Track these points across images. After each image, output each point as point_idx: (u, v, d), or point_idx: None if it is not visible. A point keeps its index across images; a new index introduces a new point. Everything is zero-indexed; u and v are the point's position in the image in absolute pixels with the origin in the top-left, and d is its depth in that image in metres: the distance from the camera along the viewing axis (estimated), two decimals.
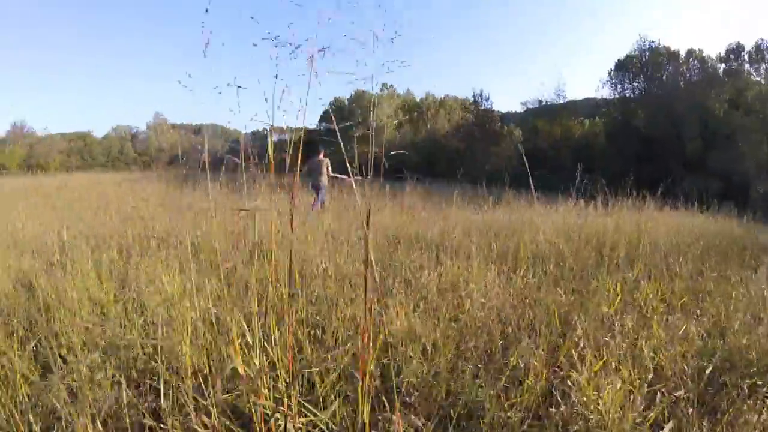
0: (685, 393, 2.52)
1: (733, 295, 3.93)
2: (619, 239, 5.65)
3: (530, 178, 3.81)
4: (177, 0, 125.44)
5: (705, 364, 2.70)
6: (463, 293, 3.69)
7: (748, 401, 2.41)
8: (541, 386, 2.48)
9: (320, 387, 2.39)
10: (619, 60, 30.37)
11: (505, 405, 2.39)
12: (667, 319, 3.46)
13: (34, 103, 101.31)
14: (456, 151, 38.38)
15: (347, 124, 3.21)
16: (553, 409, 2.36)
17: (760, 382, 2.60)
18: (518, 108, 39.90)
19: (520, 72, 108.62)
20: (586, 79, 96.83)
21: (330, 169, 10.16)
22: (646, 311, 3.73)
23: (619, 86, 30.40)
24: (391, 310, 3.16)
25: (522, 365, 2.68)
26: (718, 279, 4.63)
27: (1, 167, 49.82)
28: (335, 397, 2.32)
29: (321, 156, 10.24)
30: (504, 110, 42.06)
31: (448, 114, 45.83)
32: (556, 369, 2.75)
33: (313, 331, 3.12)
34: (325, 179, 10.12)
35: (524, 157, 4.34)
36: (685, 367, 2.74)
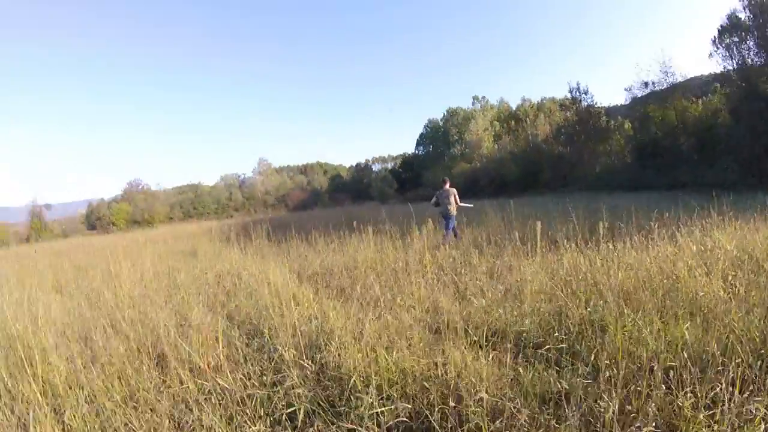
0: None
1: None
2: None
3: None
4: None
5: None
6: None
7: None
8: None
9: None
10: (722, 26, 26.43)
11: None
12: None
13: (150, 161, 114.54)
14: (559, 157, 35.83)
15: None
16: None
17: None
18: (623, 99, 36.21)
19: (619, 60, 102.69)
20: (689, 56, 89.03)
21: (458, 197, 10.76)
22: None
23: (731, 53, 26.18)
24: None
25: None
26: None
27: (111, 224, 55.33)
28: None
29: (447, 186, 10.85)
30: (608, 104, 38.80)
31: (548, 117, 43.14)
32: None
33: None
34: (453, 208, 10.68)
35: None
36: None
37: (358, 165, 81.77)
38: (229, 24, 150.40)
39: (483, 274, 6.51)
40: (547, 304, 4.84)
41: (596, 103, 37.22)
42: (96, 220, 62.37)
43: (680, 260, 5.33)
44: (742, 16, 25.11)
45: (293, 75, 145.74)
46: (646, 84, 31.51)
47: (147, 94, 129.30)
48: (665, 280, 4.90)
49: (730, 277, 4.82)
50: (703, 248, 5.84)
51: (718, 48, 26.41)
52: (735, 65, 25.68)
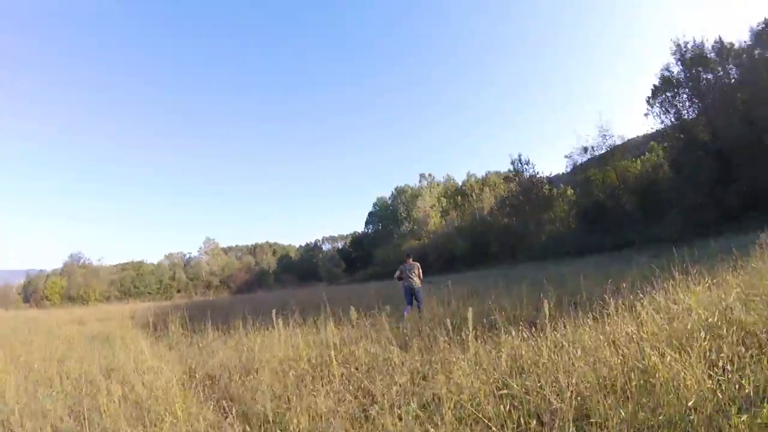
0: None
1: None
2: None
3: None
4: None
5: None
6: None
7: None
8: None
9: None
10: (655, 85, 27.20)
11: None
12: None
13: (92, 234, 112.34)
14: (506, 228, 35.47)
15: None
16: None
17: None
18: (564, 168, 36.53)
19: (562, 132, 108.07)
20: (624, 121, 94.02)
21: (421, 271, 11.28)
22: None
23: (666, 108, 26.74)
24: None
25: None
26: None
27: (45, 298, 52.26)
28: None
29: (410, 261, 11.45)
30: (551, 174, 39.20)
31: (493, 190, 43.49)
32: None
33: None
34: (418, 281, 11.12)
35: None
36: None
37: (307, 245, 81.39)
38: (173, 93, 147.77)
39: (404, 375, 4.95)
40: (473, 429, 3.29)
41: (538, 173, 37.48)
42: (32, 293, 59.08)
43: (646, 342, 3.95)
44: (676, 69, 25.98)
45: (243, 151, 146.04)
46: (585, 149, 31.82)
47: (95, 166, 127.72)
48: (633, 379, 3.45)
49: (715, 357, 3.51)
50: (669, 319, 4.58)
51: (653, 106, 27.06)
52: (672, 119, 26.16)
